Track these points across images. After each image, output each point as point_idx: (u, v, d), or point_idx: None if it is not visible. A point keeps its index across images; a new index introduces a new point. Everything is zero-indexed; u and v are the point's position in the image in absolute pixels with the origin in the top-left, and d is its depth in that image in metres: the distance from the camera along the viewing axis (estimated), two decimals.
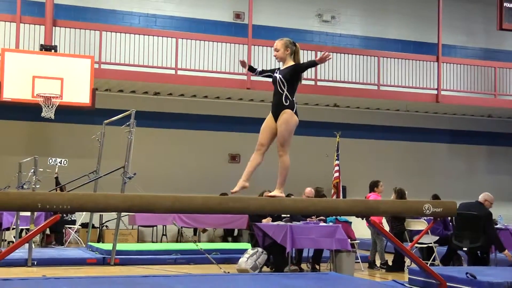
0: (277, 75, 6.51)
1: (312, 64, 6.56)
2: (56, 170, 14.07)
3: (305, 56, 16.57)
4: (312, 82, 16.64)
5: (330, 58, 6.41)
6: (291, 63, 6.52)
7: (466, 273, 6.96)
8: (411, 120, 19.33)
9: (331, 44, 18.31)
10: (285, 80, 6.43)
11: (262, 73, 6.84)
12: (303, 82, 17.51)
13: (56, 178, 14.08)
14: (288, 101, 6.42)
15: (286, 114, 6.39)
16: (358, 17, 19.01)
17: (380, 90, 17.28)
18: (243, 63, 6.74)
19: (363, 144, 18.70)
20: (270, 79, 6.58)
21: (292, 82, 6.44)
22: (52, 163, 13.67)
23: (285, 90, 6.42)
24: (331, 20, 18.65)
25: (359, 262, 10.74)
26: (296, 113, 6.45)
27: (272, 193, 6.59)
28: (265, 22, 17.68)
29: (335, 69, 16.94)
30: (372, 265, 10.99)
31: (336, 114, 18.49)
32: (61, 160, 13.71)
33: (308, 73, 16.57)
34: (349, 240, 9.98)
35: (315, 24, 18.57)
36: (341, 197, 14.46)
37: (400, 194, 10.83)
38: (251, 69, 6.84)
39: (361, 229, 11.04)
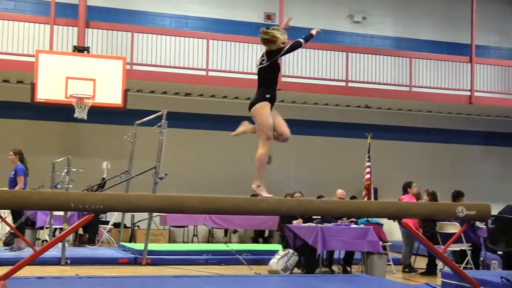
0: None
1: None
2: (105, 173, 14.27)
3: (336, 57, 16.60)
4: (343, 83, 16.57)
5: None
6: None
7: (501, 277, 6.86)
8: (443, 122, 19.14)
9: (362, 45, 18.20)
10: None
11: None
12: (335, 83, 17.50)
13: (104, 181, 14.22)
14: None
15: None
16: (390, 18, 18.87)
17: (412, 91, 17.13)
18: None
19: (394, 146, 18.55)
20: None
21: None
22: (105, 166, 14.28)
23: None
24: (362, 21, 18.55)
25: (390, 265, 10.65)
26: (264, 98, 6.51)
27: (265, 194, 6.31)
28: (296, 23, 17.41)
29: (367, 70, 16.84)
30: (405, 268, 10.87)
31: (367, 116, 18.38)
32: (107, 163, 14.01)
33: (339, 75, 16.54)
34: (380, 242, 9.91)
35: (346, 25, 18.49)
36: (372, 199, 14.40)
37: (433, 197, 10.72)
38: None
39: (392, 231, 10.96)
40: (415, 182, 11.79)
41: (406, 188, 11.48)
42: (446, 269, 7.83)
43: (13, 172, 11.46)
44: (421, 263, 11.01)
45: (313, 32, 6.48)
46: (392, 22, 18.88)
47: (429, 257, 10.47)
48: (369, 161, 14.71)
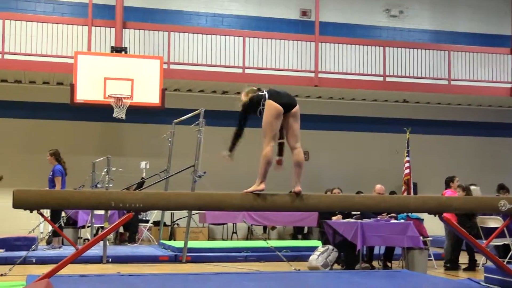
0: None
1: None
2: (144, 173, 14.39)
3: (373, 52, 16.47)
4: (381, 78, 16.45)
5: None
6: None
7: None
8: (484, 115, 18.86)
9: (400, 39, 18.03)
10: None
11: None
12: (372, 78, 17.36)
13: (143, 180, 14.34)
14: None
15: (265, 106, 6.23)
16: (427, 11, 18.65)
17: (451, 85, 16.92)
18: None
19: (434, 140, 18.35)
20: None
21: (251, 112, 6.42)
22: (143, 166, 14.36)
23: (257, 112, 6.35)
24: (399, 15, 18.37)
25: (432, 260, 10.53)
26: (274, 99, 6.23)
27: (248, 189, 6.21)
28: (332, 18, 17.56)
29: (404, 64, 16.68)
30: (447, 263, 10.72)
31: (405, 110, 18.21)
32: (146, 163, 14.12)
33: (376, 69, 16.41)
34: (421, 237, 9.81)
35: (383, 19, 18.33)
36: (412, 193, 14.26)
37: (467, 191, 10.54)
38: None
39: (433, 226, 10.83)
40: (456, 176, 11.62)
41: (448, 182, 11.30)
42: (489, 264, 7.71)
43: (51, 172, 11.62)
44: (463, 258, 10.87)
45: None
46: (429, 15, 18.66)
47: (469, 252, 10.32)
48: (408, 156, 14.57)
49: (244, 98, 6.37)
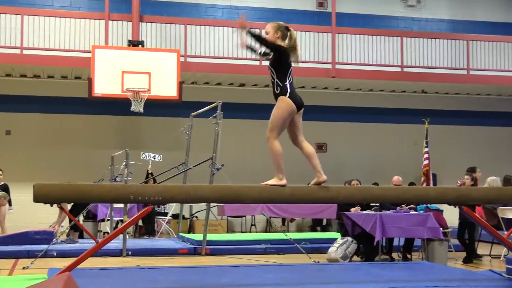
0: (268, 63, 6.24)
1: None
2: (150, 165, 14.38)
3: (390, 42, 16.37)
4: (399, 69, 16.35)
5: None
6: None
7: None
8: (503, 105, 18.70)
9: (417, 29, 17.91)
10: (272, 67, 6.17)
11: (264, 55, 6.45)
12: (389, 69, 17.19)
13: (151, 173, 14.33)
14: (279, 88, 6.11)
15: (278, 101, 6.10)
16: (445, 1, 18.50)
17: (469, 75, 16.77)
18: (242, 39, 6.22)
19: (453, 131, 18.23)
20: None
21: (280, 67, 6.13)
22: (145, 158, 13.91)
23: (275, 77, 6.13)
24: (416, 4, 18.23)
25: (452, 251, 10.47)
26: (291, 97, 6.09)
27: (268, 181, 6.14)
28: (349, 9, 17.47)
29: (422, 54, 16.57)
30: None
31: (424, 101, 18.10)
32: (154, 155, 13.94)
33: (394, 60, 16.31)
34: (441, 228, 9.76)
35: (400, 9, 18.20)
36: (431, 184, 14.19)
37: (475, 181, 10.43)
38: (251, 48, 6.44)
39: (453, 217, 10.75)
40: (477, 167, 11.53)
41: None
42: (511, 255, 7.65)
43: None
44: (484, 249, 10.81)
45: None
46: (447, 4, 18.51)
47: (469, 243, 10.22)
48: (427, 146, 14.49)
49: (273, 35, 6.17)
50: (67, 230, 11.76)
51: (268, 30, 6.24)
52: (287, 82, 6.11)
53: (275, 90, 6.14)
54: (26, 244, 10.87)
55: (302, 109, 6.26)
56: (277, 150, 6.06)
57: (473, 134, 18.42)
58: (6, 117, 15.79)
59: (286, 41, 6.22)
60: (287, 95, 6.08)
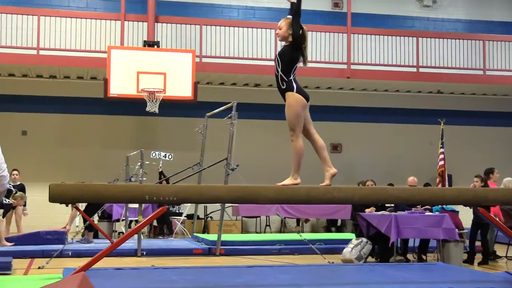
0: (276, 55, 6.18)
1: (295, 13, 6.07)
2: (160, 164, 14.40)
3: (406, 43, 16.30)
4: (414, 69, 16.29)
5: None
6: None
7: None
8: None
9: (433, 29, 17.83)
10: (280, 59, 6.07)
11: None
12: (405, 69, 17.11)
13: (161, 172, 14.38)
14: (284, 83, 6.03)
15: (288, 98, 6.03)
16: (461, 1, 18.40)
17: (486, 75, 16.67)
18: None
19: (468, 131, 18.13)
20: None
21: (287, 60, 6.05)
22: (156, 156, 13.88)
23: (279, 70, 6.04)
24: (432, 4, 18.15)
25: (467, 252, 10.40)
26: (299, 92, 6.03)
27: (284, 181, 6.11)
28: (364, 9, 17.43)
29: (438, 55, 16.49)
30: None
31: (439, 101, 18.01)
32: (165, 154, 13.89)
33: (410, 60, 16.24)
34: (456, 229, 9.70)
35: (416, 9, 18.13)
36: (446, 185, 14.11)
37: (484, 181, 10.34)
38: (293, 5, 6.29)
39: (469, 218, 10.69)
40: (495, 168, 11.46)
41: (488, 174, 11.13)
42: None
43: None
44: (500, 250, 10.73)
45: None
46: (463, 4, 18.41)
47: (482, 244, 10.14)
48: (442, 147, 14.40)
49: (286, 31, 6.13)
50: (82, 230, 11.81)
51: (281, 26, 6.22)
52: (292, 77, 6.07)
53: (281, 85, 6.08)
54: (38, 244, 10.92)
55: (308, 102, 6.22)
56: (301, 150, 6.05)
57: (489, 134, 18.30)
58: (22, 117, 15.90)
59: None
60: (295, 91, 6.05)
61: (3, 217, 10.95)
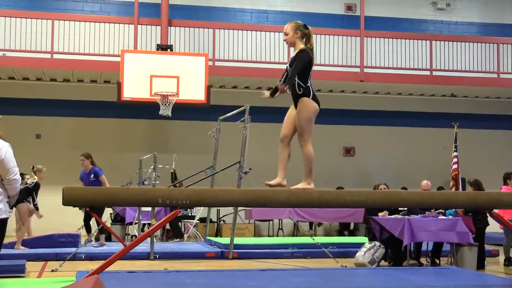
0: (287, 65, 6.19)
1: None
2: (173, 165, 14.45)
3: (419, 46, 16.24)
4: (428, 73, 16.23)
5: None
6: (301, 46, 6.14)
7: None
8: None
9: (447, 32, 17.76)
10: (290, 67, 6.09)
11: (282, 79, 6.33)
12: (419, 72, 17.07)
13: (173, 173, 14.48)
14: (301, 89, 6.03)
15: (302, 102, 6.01)
16: (475, 3, 18.32)
17: (500, 78, 16.59)
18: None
19: (482, 135, 18.04)
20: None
21: (303, 69, 6.03)
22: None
23: (296, 78, 6.03)
24: (446, 7, 18.09)
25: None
26: (314, 98, 6.04)
27: (297, 185, 6.11)
28: (377, 13, 17.39)
29: (452, 58, 16.42)
30: (505, 261, 10.45)
31: (453, 104, 17.94)
32: (174, 156, 14.09)
33: (423, 64, 16.20)
34: (470, 233, 9.64)
35: (430, 12, 18.08)
36: (460, 189, 14.03)
37: (477, 186, 10.20)
38: (274, 90, 6.43)
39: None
40: (505, 172, 11.36)
41: (506, 179, 10.97)
42: None
43: (92, 175, 11.64)
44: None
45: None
46: (477, 7, 18.33)
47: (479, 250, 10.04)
48: (456, 151, 14.33)
49: (293, 35, 6.18)
50: (95, 233, 11.85)
51: (287, 31, 6.23)
52: (309, 84, 6.09)
53: (297, 90, 6.09)
54: (51, 247, 10.96)
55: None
56: (311, 155, 6.06)
57: (503, 138, 18.20)
58: (36, 121, 15.99)
59: (304, 40, 6.19)
60: (311, 97, 6.05)
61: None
